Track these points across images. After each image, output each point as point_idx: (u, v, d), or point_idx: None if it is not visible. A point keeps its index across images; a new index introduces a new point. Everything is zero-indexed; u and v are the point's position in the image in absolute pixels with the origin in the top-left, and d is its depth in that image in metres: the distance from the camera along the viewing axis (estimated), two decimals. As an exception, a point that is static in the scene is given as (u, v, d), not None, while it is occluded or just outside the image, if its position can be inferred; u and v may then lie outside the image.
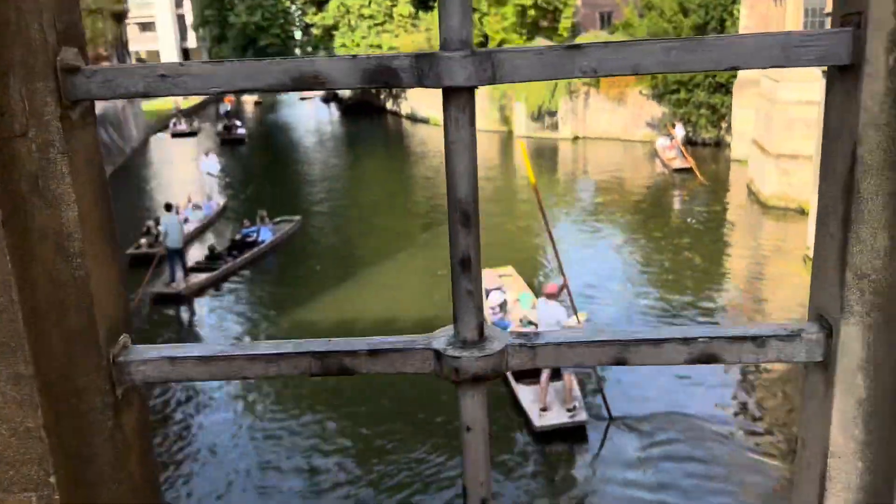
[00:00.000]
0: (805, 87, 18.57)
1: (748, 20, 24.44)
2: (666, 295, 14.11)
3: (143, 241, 17.45)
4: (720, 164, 25.22)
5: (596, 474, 8.99)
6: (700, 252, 16.56)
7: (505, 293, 12.45)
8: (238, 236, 17.90)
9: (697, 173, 23.78)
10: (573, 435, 9.46)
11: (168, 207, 16.52)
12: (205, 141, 38.48)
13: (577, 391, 9.80)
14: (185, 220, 18.44)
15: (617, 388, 10.85)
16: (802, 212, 18.47)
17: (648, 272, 15.83)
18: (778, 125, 19.61)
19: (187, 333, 14.14)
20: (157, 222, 17.56)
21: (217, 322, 14.34)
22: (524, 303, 11.94)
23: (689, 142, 27.58)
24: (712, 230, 18.53)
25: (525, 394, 9.96)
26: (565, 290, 10.16)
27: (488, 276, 13.36)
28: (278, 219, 19.56)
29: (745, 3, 24.50)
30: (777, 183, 19.74)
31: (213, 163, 23.52)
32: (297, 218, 20.11)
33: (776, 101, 19.69)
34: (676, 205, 21.89)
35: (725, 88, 27.04)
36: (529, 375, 10.05)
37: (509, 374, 10.36)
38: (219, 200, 22.20)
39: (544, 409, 9.51)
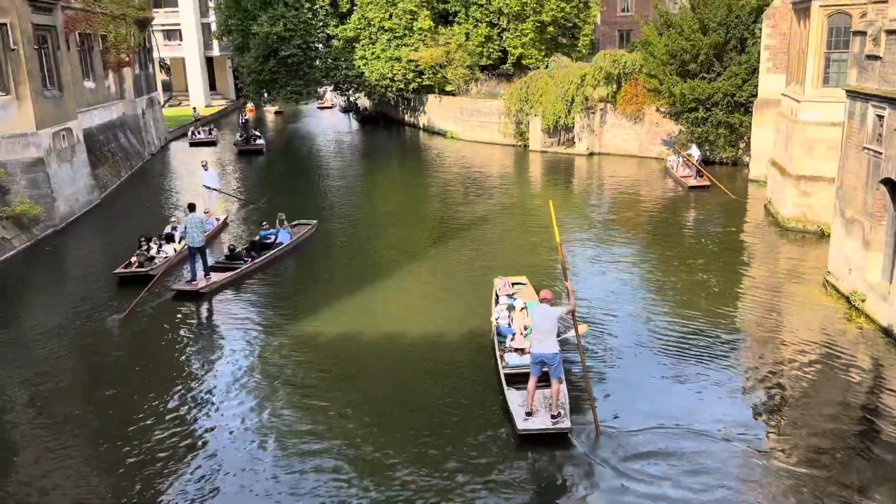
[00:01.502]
0: (828, 107, 18.32)
1: (770, 39, 24.20)
2: (679, 316, 13.84)
3: (133, 258, 16.82)
4: (737, 183, 24.90)
5: (574, 481, 8.86)
6: (715, 273, 16.27)
7: (515, 300, 12.67)
8: (256, 238, 18.36)
9: (725, 190, 23.52)
10: (556, 441, 9.46)
11: (191, 207, 16.91)
12: (222, 150, 38.69)
13: (564, 398, 9.88)
14: (183, 237, 17.94)
15: (615, 397, 10.81)
16: (822, 234, 18.15)
17: (662, 292, 15.56)
18: (798, 146, 19.34)
19: (205, 331, 14.34)
20: (149, 239, 17.50)
21: (233, 321, 14.42)
22: (530, 311, 11.90)
23: (705, 161, 27.31)
24: (728, 251, 18.22)
25: (514, 397, 10.11)
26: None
27: (502, 284, 13.76)
28: (295, 222, 20.09)
29: (767, 22, 24.26)
30: (796, 204, 19.44)
31: (212, 176, 22.66)
32: (314, 222, 20.66)
33: (797, 121, 19.43)
34: (691, 224, 21.59)
35: (744, 108, 26.77)
36: (522, 380, 10.20)
37: (502, 378, 10.67)
38: (219, 215, 21.22)
39: (530, 414, 9.66)
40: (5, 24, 19.36)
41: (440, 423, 10.18)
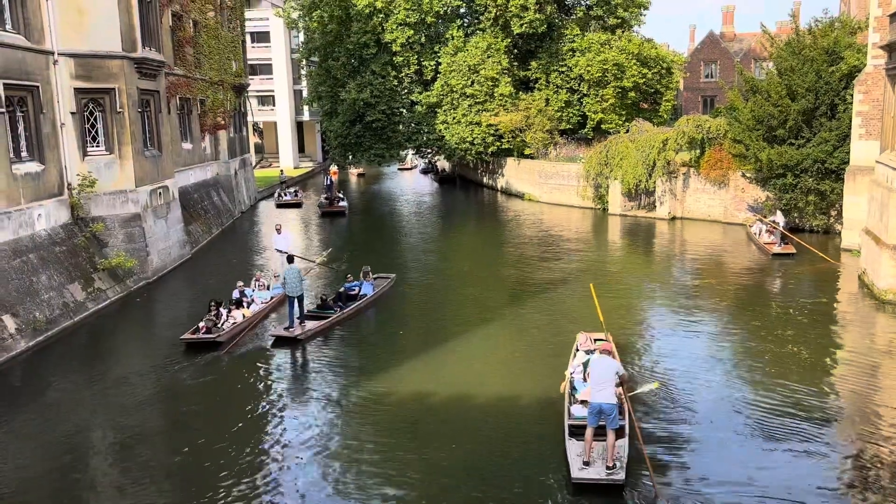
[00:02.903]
0: (926, 175, 17.43)
1: (862, 105, 23.43)
2: (768, 389, 13.11)
3: (201, 324, 16.39)
4: (829, 252, 23.81)
5: None
6: (806, 345, 15.43)
7: (592, 355, 12.41)
8: (341, 289, 19.11)
9: (823, 255, 22.75)
10: (610, 493, 9.51)
11: (290, 259, 17.71)
12: (307, 212, 39.94)
13: (621, 451, 9.95)
14: (251, 302, 18.23)
15: (688, 462, 10.55)
16: (923, 308, 17.05)
17: (747, 363, 14.82)
18: (895, 214, 18.41)
19: (300, 374, 15.10)
20: (219, 304, 17.05)
21: (318, 372, 15.03)
22: (590, 362, 12.12)
23: (794, 228, 26.34)
24: (819, 323, 17.29)
25: (574, 447, 10.24)
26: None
27: (583, 339, 13.81)
28: (375, 276, 20.77)
29: (858, 88, 23.54)
30: (894, 276, 18.38)
31: (285, 239, 22.08)
32: (392, 276, 21.45)
33: (893, 189, 18.56)
34: (778, 293, 20.68)
35: (836, 175, 25.80)
36: (583, 433, 10.20)
37: (566, 429, 10.78)
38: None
39: (587, 463, 9.79)
40: (113, 89, 20.87)
41: (503, 486, 9.99)
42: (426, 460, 10.84)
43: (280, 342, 16.31)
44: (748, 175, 29.23)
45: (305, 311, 17.29)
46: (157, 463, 11.06)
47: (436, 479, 10.31)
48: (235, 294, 18.44)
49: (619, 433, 10.04)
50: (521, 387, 13.41)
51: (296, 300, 16.65)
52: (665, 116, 41.88)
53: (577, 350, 13.42)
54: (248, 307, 18.01)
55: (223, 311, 17.04)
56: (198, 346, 15.92)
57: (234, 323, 16.88)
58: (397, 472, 10.48)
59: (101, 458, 11.35)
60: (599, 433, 9.97)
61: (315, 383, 14.34)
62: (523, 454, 10.87)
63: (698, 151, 31.43)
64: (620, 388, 10.39)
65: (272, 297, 19.13)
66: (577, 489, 9.58)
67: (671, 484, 9.84)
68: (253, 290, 19.03)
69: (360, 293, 19.06)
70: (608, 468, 9.62)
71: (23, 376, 14.78)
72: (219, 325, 16.48)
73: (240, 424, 12.19)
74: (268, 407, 13.11)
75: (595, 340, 13.86)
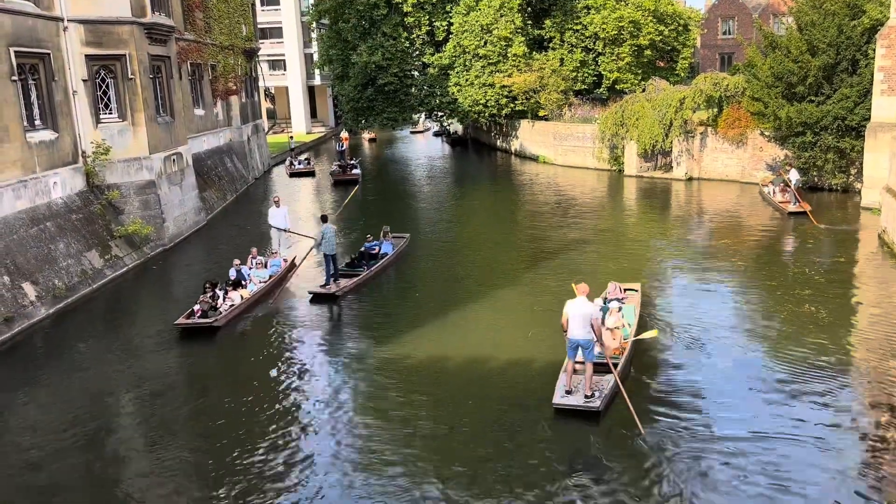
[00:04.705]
0: (949, 131, 17.06)
1: (885, 60, 22.88)
2: (784, 348, 13.05)
3: (196, 307, 15.18)
4: (848, 211, 23.48)
5: (593, 451, 9.90)
6: (824, 305, 15.30)
7: (611, 304, 13.46)
8: (362, 249, 19.85)
9: (812, 218, 22.30)
10: (587, 418, 10.54)
11: (324, 219, 18.09)
12: (320, 180, 39.78)
13: (604, 384, 11.10)
14: (248, 282, 17.11)
15: (691, 411, 10.81)
16: (944, 266, 16.82)
17: (764, 322, 14.74)
18: (917, 172, 18.08)
19: (337, 328, 15.77)
20: (215, 285, 15.74)
21: (358, 322, 15.93)
22: (627, 315, 13.18)
23: (813, 187, 25.96)
24: (837, 282, 17.11)
25: (565, 379, 11.21)
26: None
27: (612, 288, 14.72)
28: (391, 236, 21.14)
29: (881, 43, 22.96)
30: (914, 234, 18.14)
31: (283, 215, 20.44)
32: (407, 235, 22.04)
33: (915, 145, 18.19)
34: (794, 252, 20.45)
35: (856, 132, 25.33)
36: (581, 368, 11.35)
37: (565, 364, 11.48)
38: (287, 256, 19.55)
39: (569, 392, 10.93)
40: (124, 55, 20.76)
41: (503, 429, 10.14)
42: (442, 417, 10.99)
43: (317, 299, 16.91)
44: (767, 133, 28.77)
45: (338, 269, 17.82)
46: (180, 425, 11.24)
47: (449, 442, 10.41)
48: (232, 273, 17.13)
49: (607, 370, 11.09)
50: (534, 349, 13.43)
51: (331, 259, 17.17)
52: (682, 74, 41.17)
53: (606, 298, 14.13)
54: (245, 287, 16.78)
55: (219, 293, 15.73)
56: (193, 331, 14.79)
57: (233, 305, 15.67)
58: (415, 432, 10.62)
59: (125, 423, 11.53)
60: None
61: (345, 341, 14.72)
62: (532, 405, 11.17)
63: (716, 110, 30.93)
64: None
65: (270, 276, 17.89)
66: (557, 413, 10.65)
67: (676, 430, 10.21)
68: (250, 269, 17.80)
69: (381, 252, 19.68)
70: (586, 396, 10.70)
71: (45, 343, 14.99)
72: (217, 308, 15.26)
73: (264, 385, 12.34)
74: (292, 367, 13.25)
75: (625, 290, 14.84)
